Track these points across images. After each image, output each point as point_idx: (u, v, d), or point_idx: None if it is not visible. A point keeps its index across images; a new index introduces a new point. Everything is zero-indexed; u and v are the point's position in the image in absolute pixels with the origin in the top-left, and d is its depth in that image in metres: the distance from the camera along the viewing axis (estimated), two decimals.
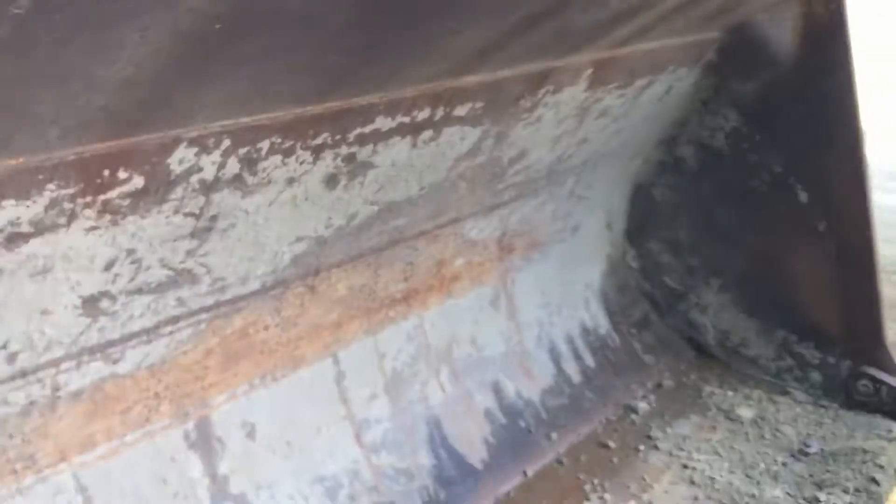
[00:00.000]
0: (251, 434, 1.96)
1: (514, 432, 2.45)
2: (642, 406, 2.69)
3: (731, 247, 2.85)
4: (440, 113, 1.72)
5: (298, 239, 1.75)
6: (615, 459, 2.43)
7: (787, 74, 2.55)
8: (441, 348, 2.41)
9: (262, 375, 1.96)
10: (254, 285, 1.78)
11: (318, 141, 1.50)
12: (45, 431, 1.47)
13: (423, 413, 2.31)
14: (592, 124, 2.38)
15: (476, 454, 2.34)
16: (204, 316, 1.73)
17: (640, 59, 2.23)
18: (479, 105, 1.81)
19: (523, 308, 2.67)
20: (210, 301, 1.71)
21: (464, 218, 2.30)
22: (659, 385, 2.82)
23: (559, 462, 2.42)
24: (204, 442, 1.86)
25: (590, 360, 2.78)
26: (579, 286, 2.89)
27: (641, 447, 2.47)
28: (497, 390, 2.50)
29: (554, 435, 2.50)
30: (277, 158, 1.45)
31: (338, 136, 1.53)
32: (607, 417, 2.63)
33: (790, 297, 2.76)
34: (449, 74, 1.61)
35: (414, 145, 1.75)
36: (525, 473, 2.36)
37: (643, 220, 3.03)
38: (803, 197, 2.61)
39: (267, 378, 1.97)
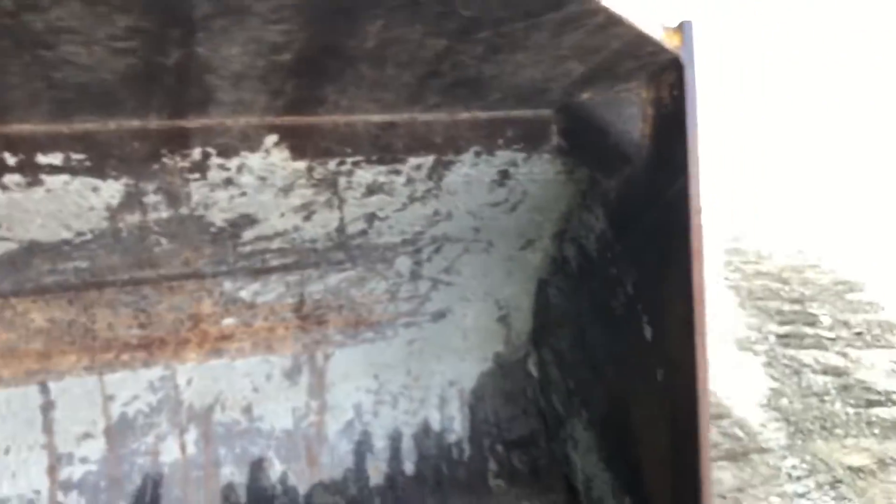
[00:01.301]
0: None
1: None
2: None
3: (596, 376, 2.28)
4: (11, 159, 1.68)
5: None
6: None
7: (638, 174, 1.99)
8: (197, 408, 2.31)
9: None
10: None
11: None
12: None
13: (144, 467, 2.24)
14: (370, 201, 2.10)
15: None
16: None
17: (384, 133, 1.92)
18: (79, 157, 1.73)
19: (337, 389, 2.43)
20: None
21: (209, 276, 2.18)
22: None
23: None
24: None
25: (409, 467, 2.43)
26: (438, 380, 2.54)
27: None
28: (256, 468, 2.32)
29: None
30: None
31: None
32: None
33: (635, 457, 2.13)
34: None
35: (4, 188, 1.73)
36: None
37: (543, 322, 2.56)
38: (648, 332, 2.01)
39: None
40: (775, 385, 3.27)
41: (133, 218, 1.92)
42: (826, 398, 3.20)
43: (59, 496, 2.16)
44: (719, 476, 2.72)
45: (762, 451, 2.85)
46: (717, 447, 2.87)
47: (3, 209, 1.78)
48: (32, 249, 1.91)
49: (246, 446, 2.33)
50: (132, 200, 1.87)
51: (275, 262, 2.22)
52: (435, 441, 2.48)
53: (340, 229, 2.17)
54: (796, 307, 3.99)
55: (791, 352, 3.54)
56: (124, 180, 1.82)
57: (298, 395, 2.39)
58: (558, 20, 1.53)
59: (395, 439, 2.45)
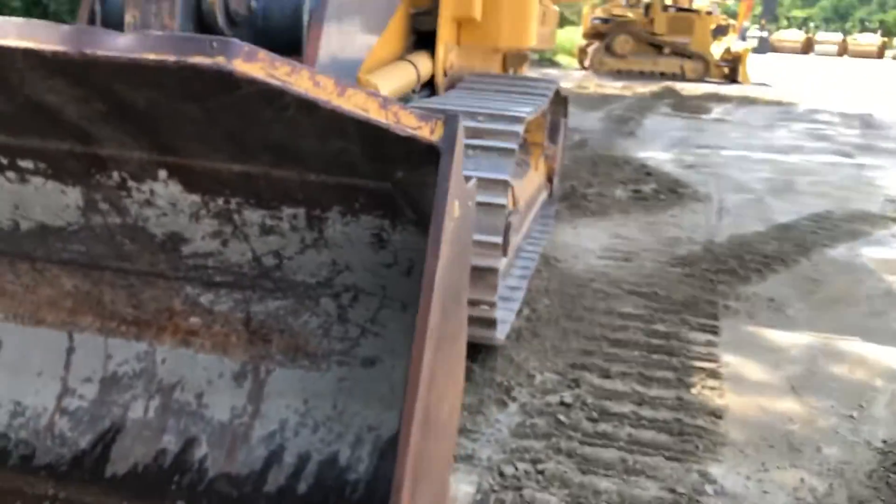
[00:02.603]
0: None
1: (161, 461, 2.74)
2: None
3: None
4: (5, 160, 2.45)
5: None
6: None
7: None
8: (165, 384, 2.88)
9: (7, 313, 2.93)
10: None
11: None
12: None
13: (116, 416, 2.88)
14: (270, 240, 2.49)
15: (105, 471, 2.78)
16: None
17: (247, 181, 2.30)
18: (42, 165, 2.43)
19: (272, 402, 2.82)
20: None
21: (173, 279, 2.74)
22: None
23: None
24: None
25: (303, 487, 2.70)
26: (359, 421, 2.76)
27: None
28: (188, 444, 2.81)
29: None
30: None
31: None
32: None
33: None
34: None
35: (10, 181, 2.52)
36: None
37: None
38: None
39: (10, 316, 2.94)
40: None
41: (97, 219, 2.58)
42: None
43: (56, 417, 2.89)
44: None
45: None
46: None
47: (16, 196, 2.56)
48: (45, 230, 2.68)
49: (188, 424, 2.83)
50: (91, 205, 2.53)
51: (218, 279, 2.71)
52: (336, 474, 2.71)
53: (257, 260, 2.58)
54: None
55: None
56: (80, 189, 2.49)
57: (239, 397, 2.83)
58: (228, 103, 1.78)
59: (303, 460, 2.74)
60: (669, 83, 23.78)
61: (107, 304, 2.83)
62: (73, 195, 2.49)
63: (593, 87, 22.54)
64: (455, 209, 2.05)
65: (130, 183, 2.40)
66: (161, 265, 2.68)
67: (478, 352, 4.13)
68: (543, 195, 6.49)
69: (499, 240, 3.60)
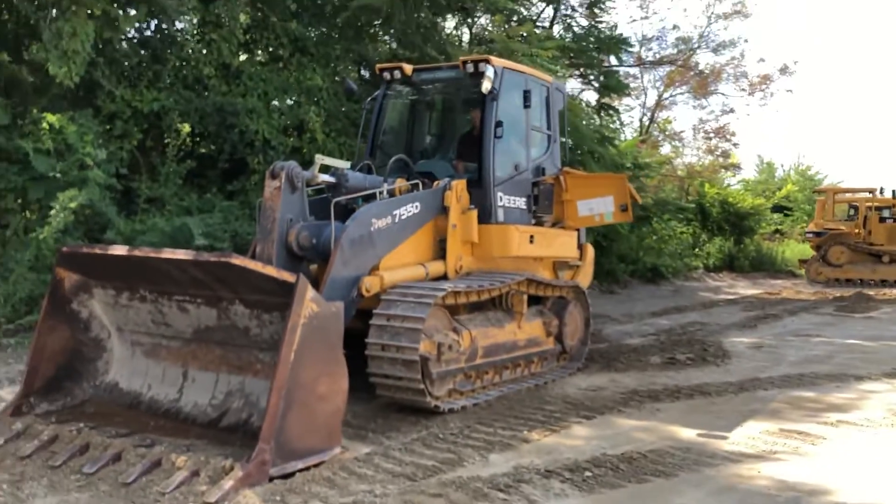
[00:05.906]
0: None
1: None
2: None
3: None
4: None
5: (179, 333, 7.21)
6: None
7: None
8: (247, 392, 7.02)
9: (194, 367, 7.30)
10: (185, 336, 7.28)
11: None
12: None
13: (226, 405, 7.03)
14: (273, 329, 6.69)
15: (220, 425, 6.92)
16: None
17: (262, 304, 6.55)
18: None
19: None
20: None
21: (248, 347, 6.95)
22: None
23: None
24: None
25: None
26: None
27: None
28: (250, 415, 6.88)
29: None
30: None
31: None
32: None
33: None
34: None
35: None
36: None
37: None
38: None
39: (195, 368, 7.30)
40: None
41: (222, 321, 6.93)
42: None
43: (208, 409, 7.10)
44: None
45: None
46: None
47: (196, 314, 7.02)
48: (208, 328, 7.07)
49: (252, 409, 6.92)
50: (218, 316, 6.90)
51: (264, 346, 6.88)
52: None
53: (272, 337, 6.74)
54: None
55: None
56: (215, 309, 6.87)
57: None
58: (236, 273, 6.05)
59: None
60: (877, 290, 24.97)
61: (231, 360, 7.13)
62: (214, 312, 6.89)
63: (789, 293, 24.41)
64: (312, 307, 6.10)
65: (229, 306, 6.74)
66: (245, 341, 6.95)
67: (433, 413, 7.80)
68: (546, 349, 9.95)
69: (416, 346, 7.43)
